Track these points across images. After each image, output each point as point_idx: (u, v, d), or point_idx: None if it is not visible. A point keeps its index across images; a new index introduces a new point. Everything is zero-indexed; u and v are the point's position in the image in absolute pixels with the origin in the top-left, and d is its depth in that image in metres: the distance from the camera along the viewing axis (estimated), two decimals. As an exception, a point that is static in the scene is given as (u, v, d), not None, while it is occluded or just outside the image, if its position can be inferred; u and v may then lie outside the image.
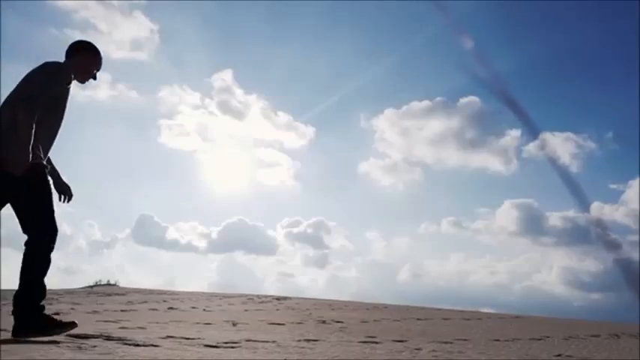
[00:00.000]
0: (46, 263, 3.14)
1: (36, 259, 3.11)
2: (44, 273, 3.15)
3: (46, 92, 3.04)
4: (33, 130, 2.95)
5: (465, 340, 5.12)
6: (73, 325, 3.29)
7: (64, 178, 3.45)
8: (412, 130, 31.26)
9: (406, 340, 4.78)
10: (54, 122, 3.22)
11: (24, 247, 3.11)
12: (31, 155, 2.95)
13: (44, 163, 3.17)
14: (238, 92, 32.97)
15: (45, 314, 3.19)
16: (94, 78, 3.42)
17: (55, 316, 3.24)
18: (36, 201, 3.10)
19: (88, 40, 3.43)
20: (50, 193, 3.18)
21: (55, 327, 3.19)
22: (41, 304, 3.17)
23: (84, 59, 3.35)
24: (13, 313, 3.12)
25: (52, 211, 3.17)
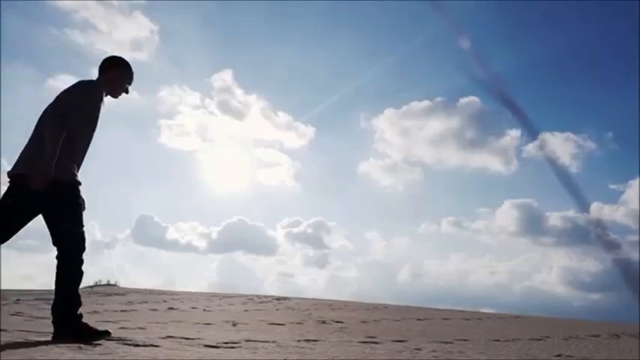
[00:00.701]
0: (76, 275, 3.23)
1: (65, 273, 3.20)
2: (76, 284, 3.24)
3: (79, 110, 3.16)
4: (58, 146, 3.03)
5: (465, 340, 5.12)
6: (106, 333, 3.35)
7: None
8: (412, 130, 31.27)
9: (406, 340, 4.78)
10: (87, 138, 3.32)
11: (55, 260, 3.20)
12: (54, 170, 3.02)
13: (78, 179, 3.26)
14: (238, 92, 32.98)
15: (82, 322, 3.27)
16: (127, 92, 3.52)
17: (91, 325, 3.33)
18: (66, 216, 3.18)
19: (116, 54, 3.56)
20: (81, 209, 3.25)
21: (89, 334, 3.27)
22: (78, 312, 3.28)
23: (116, 75, 3.44)
24: (53, 322, 3.27)
25: (81, 226, 3.24)
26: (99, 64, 3.49)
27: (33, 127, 3.29)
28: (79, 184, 3.27)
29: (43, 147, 3.02)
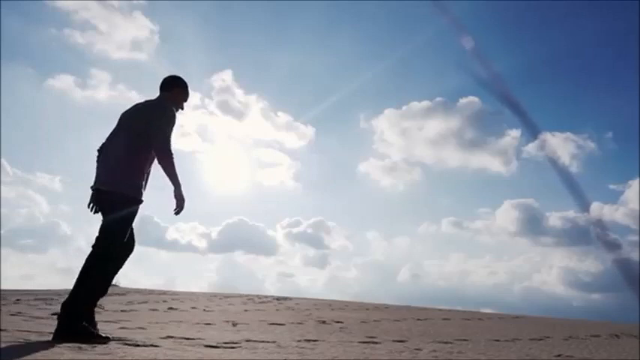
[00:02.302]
0: (99, 280, 3.39)
1: (90, 274, 3.36)
2: (94, 289, 3.38)
3: (169, 133, 3.50)
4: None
5: (465, 340, 5.12)
6: (106, 339, 3.36)
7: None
8: (412, 130, 31.26)
9: (406, 341, 4.78)
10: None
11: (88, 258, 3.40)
12: (123, 186, 3.42)
13: (142, 198, 3.56)
14: (238, 92, 32.95)
15: (84, 324, 3.31)
16: (182, 108, 3.77)
17: (93, 329, 3.39)
18: (117, 222, 3.44)
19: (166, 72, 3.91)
20: (131, 225, 3.53)
21: (89, 336, 3.29)
22: (84, 313, 3.34)
23: (178, 95, 3.76)
24: (58, 317, 3.31)
25: (123, 238, 3.47)
26: (161, 81, 3.80)
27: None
28: (141, 202, 3.55)
29: (128, 169, 3.44)
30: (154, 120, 3.49)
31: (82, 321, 3.33)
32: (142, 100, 3.74)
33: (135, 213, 3.50)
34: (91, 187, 3.60)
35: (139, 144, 3.49)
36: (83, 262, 3.40)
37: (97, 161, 3.66)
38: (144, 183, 3.53)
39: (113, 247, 3.43)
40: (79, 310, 3.32)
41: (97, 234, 3.47)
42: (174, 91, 3.75)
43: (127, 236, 3.48)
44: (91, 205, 3.61)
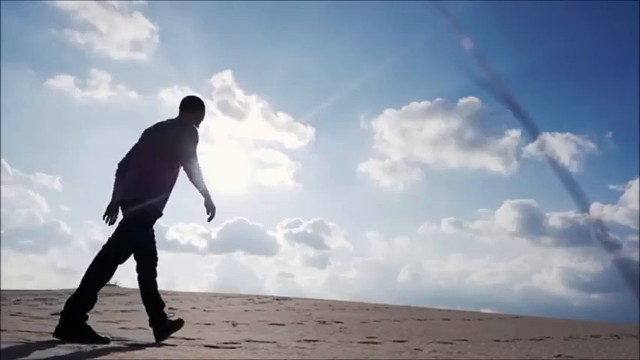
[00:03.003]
0: (101, 279, 3.53)
1: (91, 276, 3.46)
2: (95, 288, 3.46)
3: (195, 149, 3.73)
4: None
5: (465, 340, 5.12)
6: (105, 340, 3.37)
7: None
8: (412, 130, 31.26)
9: (406, 341, 4.78)
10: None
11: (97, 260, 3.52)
12: (147, 197, 3.58)
13: (162, 212, 3.75)
14: (238, 93, 32.93)
15: (85, 323, 3.36)
16: (198, 126, 3.94)
17: (94, 329, 3.44)
18: (133, 230, 3.62)
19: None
20: (148, 233, 3.76)
21: (89, 337, 3.32)
22: (86, 314, 3.39)
23: (198, 115, 3.97)
24: (61, 314, 3.34)
25: (141, 245, 3.72)
26: (181, 101, 4.01)
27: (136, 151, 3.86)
28: (161, 215, 3.74)
29: (161, 182, 3.66)
30: (180, 138, 3.71)
31: (85, 320, 3.37)
32: (165, 120, 3.96)
33: (152, 222, 3.68)
34: (115, 201, 3.78)
35: (166, 161, 3.68)
36: (91, 262, 3.48)
37: (117, 175, 3.85)
38: (168, 198, 3.73)
39: (123, 252, 3.57)
40: (82, 310, 3.37)
41: (110, 237, 3.59)
42: (195, 112, 3.97)
43: (136, 245, 3.64)
44: (106, 216, 3.81)
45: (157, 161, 3.69)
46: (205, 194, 3.73)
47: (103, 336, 3.42)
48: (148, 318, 3.72)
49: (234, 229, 25.13)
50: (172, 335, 3.99)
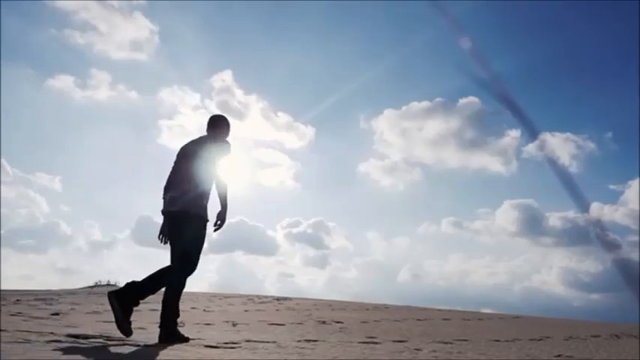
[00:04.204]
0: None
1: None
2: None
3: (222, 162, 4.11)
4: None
5: (465, 340, 5.12)
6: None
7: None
8: (412, 130, 31.30)
9: (406, 341, 4.78)
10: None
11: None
12: (194, 207, 3.92)
13: (208, 219, 4.07)
14: (238, 93, 32.99)
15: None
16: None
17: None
18: (191, 241, 3.93)
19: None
20: (203, 242, 4.01)
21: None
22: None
23: (224, 131, 4.31)
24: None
25: (198, 254, 3.98)
26: (208, 118, 4.39)
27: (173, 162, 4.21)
28: (208, 221, 4.05)
29: (192, 192, 3.94)
30: (210, 153, 4.07)
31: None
32: (196, 137, 4.31)
33: (205, 234, 4.00)
34: (162, 212, 4.07)
35: (199, 173, 4.01)
36: (170, 278, 3.87)
37: (164, 197, 4.13)
38: (207, 205, 4.07)
39: (188, 266, 3.92)
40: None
41: (174, 252, 3.95)
42: (222, 128, 4.32)
43: (200, 255, 3.99)
44: (161, 235, 4.11)
45: (194, 175, 4.02)
46: (224, 205, 4.05)
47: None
48: (159, 318, 3.86)
49: (235, 229, 25.15)
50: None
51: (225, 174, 4.09)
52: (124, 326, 3.63)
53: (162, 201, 4.10)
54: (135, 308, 3.80)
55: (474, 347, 4.59)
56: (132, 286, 3.78)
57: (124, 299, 3.70)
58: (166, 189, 4.10)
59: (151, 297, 3.86)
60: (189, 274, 3.94)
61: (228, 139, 4.30)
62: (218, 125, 4.33)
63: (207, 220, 4.03)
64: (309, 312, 8.40)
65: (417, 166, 31.79)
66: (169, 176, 4.15)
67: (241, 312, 7.91)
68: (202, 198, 4.00)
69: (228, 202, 4.07)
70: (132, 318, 3.76)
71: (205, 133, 4.32)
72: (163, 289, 3.88)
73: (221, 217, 4.04)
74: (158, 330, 3.81)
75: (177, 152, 4.25)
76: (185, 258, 3.90)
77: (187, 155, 4.12)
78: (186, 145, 4.26)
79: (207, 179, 4.01)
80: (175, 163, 4.19)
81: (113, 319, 3.70)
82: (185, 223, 3.90)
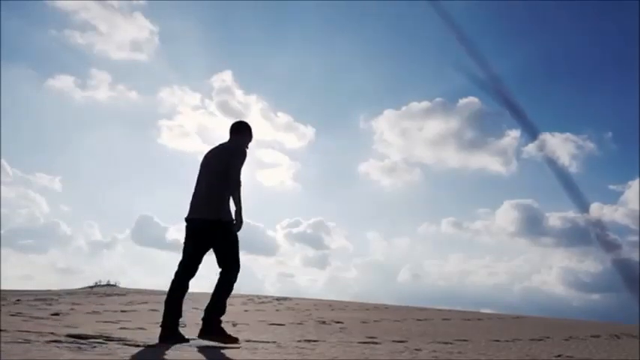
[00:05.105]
0: (229, 291, 4.12)
1: (224, 288, 4.06)
2: (227, 297, 4.09)
3: (240, 170, 4.22)
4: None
5: (465, 340, 5.12)
6: (235, 340, 3.92)
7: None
8: (411, 130, 31.31)
9: (406, 341, 4.78)
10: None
11: (218, 276, 4.07)
12: (223, 213, 4.09)
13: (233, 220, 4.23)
14: (238, 93, 33.00)
15: (221, 326, 3.98)
16: (247, 147, 4.39)
17: (226, 331, 4.02)
18: (233, 246, 4.12)
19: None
20: (238, 242, 4.19)
21: (223, 337, 3.89)
22: (220, 318, 4.01)
23: (246, 138, 4.43)
24: (202, 319, 3.99)
25: (238, 255, 4.16)
26: (231, 125, 4.50)
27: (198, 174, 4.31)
28: (233, 222, 4.19)
29: (218, 199, 4.09)
30: (230, 160, 4.17)
31: (220, 323, 3.98)
32: (218, 144, 4.42)
33: (237, 235, 4.17)
34: (193, 219, 4.15)
35: (222, 180, 4.11)
36: (217, 281, 4.07)
37: (195, 200, 4.22)
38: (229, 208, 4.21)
39: (236, 265, 4.10)
40: (218, 315, 3.98)
41: (220, 257, 4.07)
42: (244, 135, 4.43)
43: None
44: (191, 241, 4.13)
45: (216, 181, 4.13)
46: (239, 207, 4.18)
47: (234, 336, 3.97)
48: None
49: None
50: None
51: (239, 180, 4.20)
52: (232, 340, 3.88)
53: (189, 207, 4.19)
54: (135, 308, 3.81)
55: (474, 347, 4.59)
56: (210, 314, 3.98)
57: (212, 328, 3.91)
58: (196, 196, 4.19)
59: (150, 297, 3.86)
60: (238, 273, 4.15)
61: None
62: (241, 132, 4.43)
63: (233, 221, 4.17)
64: (309, 312, 8.40)
65: (417, 166, 31.82)
66: (198, 183, 4.25)
67: (241, 312, 7.91)
68: (229, 204, 4.16)
69: (242, 204, 4.19)
70: (131, 318, 3.77)
71: (228, 139, 4.41)
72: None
73: (237, 218, 4.16)
74: (158, 330, 3.81)
75: (202, 158, 4.36)
76: (235, 259, 4.09)
77: (213, 163, 4.25)
78: (211, 151, 4.37)
79: (233, 186, 4.14)
80: (202, 169, 4.29)
81: (113, 321, 3.70)
82: (221, 229, 4.05)
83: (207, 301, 4.06)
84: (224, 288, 4.06)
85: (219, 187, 4.10)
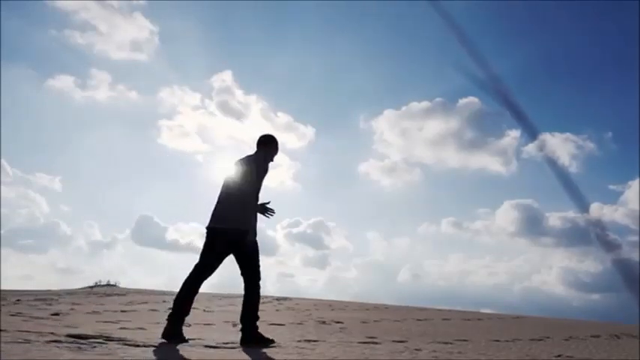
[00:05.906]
0: (259, 299, 4.25)
1: (254, 298, 4.18)
2: (258, 304, 4.21)
3: (261, 182, 4.37)
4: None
5: (465, 340, 5.12)
6: (272, 341, 4.04)
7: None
8: (411, 130, 31.32)
9: (406, 341, 4.78)
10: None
11: (243, 284, 4.22)
12: (245, 225, 4.23)
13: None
14: (238, 93, 33.01)
15: (258, 331, 4.08)
16: (272, 160, 4.53)
17: (262, 334, 4.12)
18: (253, 256, 4.25)
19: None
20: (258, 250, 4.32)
21: (262, 341, 3.99)
22: (256, 323, 4.12)
23: (272, 150, 4.53)
24: (241, 329, 4.10)
25: (259, 262, 4.29)
26: (258, 138, 4.60)
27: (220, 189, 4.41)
28: (249, 231, 4.32)
29: (237, 209, 4.21)
30: (247, 171, 4.31)
31: (257, 328, 4.07)
32: (245, 155, 4.50)
33: (256, 243, 4.30)
34: (217, 228, 4.25)
35: (241, 190, 4.25)
36: (244, 291, 4.23)
37: (220, 210, 4.31)
38: (253, 217, 4.34)
39: (259, 273, 4.23)
40: (253, 321, 4.08)
41: (245, 267, 4.20)
42: (270, 147, 4.53)
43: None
44: (214, 250, 4.23)
45: (239, 192, 4.26)
46: (249, 215, 4.27)
47: (269, 337, 4.08)
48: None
49: (234, 229, 25.15)
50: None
51: (258, 191, 4.34)
52: (268, 342, 3.99)
53: (211, 217, 4.28)
54: (135, 308, 3.81)
55: (474, 347, 4.59)
56: (246, 323, 4.09)
57: (251, 336, 4.00)
58: (217, 206, 4.28)
59: (150, 297, 3.86)
60: (260, 279, 4.28)
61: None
62: (267, 145, 4.53)
63: (248, 231, 4.28)
64: (309, 312, 8.40)
65: (416, 166, 31.82)
66: (220, 193, 4.34)
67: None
68: (250, 213, 4.28)
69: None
70: (131, 318, 3.77)
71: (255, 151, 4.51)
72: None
73: (250, 227, 4.29)
74: (158, 330, 3.82)
75: (231, 169, 4.48)
76: (256, 269, 4.21)
77: (234, 173, 4.39)
78: (237, 161, 4.46)
79: (256, 196, 4.28)
80: (225, 180, 4.39)
81: (113, 321, 3.70)
82: (240, 238, 4.16)
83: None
84: (254, 298, 4.19)
85: (239, 197, 4.22)
